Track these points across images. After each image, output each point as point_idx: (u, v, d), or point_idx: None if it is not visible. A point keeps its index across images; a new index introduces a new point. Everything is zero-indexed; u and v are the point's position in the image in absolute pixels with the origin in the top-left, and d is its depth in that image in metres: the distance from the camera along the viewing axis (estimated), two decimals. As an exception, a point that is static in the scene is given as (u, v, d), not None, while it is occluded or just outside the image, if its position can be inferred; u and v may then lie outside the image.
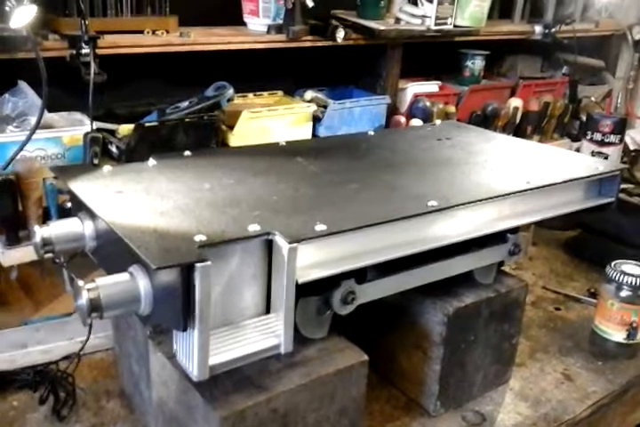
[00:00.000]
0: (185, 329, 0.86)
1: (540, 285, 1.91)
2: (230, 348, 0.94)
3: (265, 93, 1.98)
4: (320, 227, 0.96)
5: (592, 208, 1.39)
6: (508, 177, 1.29)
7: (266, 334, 0.97)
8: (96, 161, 1.39)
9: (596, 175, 1.34)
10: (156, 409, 1.11)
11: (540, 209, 1.30)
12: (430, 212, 1.08)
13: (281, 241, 0.92)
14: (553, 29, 2.35)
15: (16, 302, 1.55)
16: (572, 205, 1.35)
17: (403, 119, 2.08)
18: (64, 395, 1.30)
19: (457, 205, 1.11)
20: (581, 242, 2.13)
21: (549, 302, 1.81)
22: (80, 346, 1.33)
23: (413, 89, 2.15)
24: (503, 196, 1.18)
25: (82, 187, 1.10)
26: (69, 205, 1.19)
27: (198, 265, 0.82)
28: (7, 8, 1.12)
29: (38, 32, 1.42)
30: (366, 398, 1.10)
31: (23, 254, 1.39)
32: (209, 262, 0.83)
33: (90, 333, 1.28)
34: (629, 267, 1.51)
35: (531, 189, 1.22)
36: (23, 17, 1.18)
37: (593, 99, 2.64)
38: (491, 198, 1.16)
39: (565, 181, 1.28)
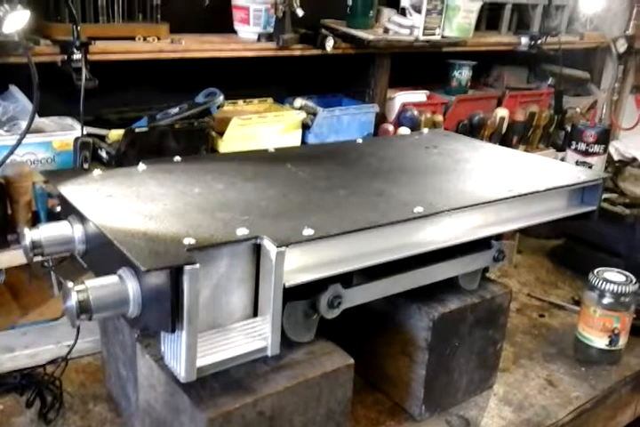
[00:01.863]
0: (173, 331, 0.87)
1: (525, 292, 1.94)
2: (218, 350, 0.95)
3: (255, 100, 2.00)
4: (307, 231, 0.98)
5: (575, 216, 1.41)
6: (492, 185, 1.31)
7: (253, 336, 0.98)
8: (86, 166, 1.40)
9: (577, 184, 1.37)
10: (143, 412, 1.11)
11: (524, 216, 1.32)
12: (416, 218, 1.10)
13: (269, 245, 0.93)
14: (539, 41, 2.39)
15: (3, 306, 1.55)
16: (555, 213, 1.37)
17: (391, 128, 2.10)
18: (51, 399, 1.30)
19: (442, 212, 1.13)
20: (566, 251, 2.17)
21: (534, 310, 1.84)
22: (67, 350, 1.34)
23: (402, 98, 2.18)
24: (487, 203, 1.20)
25: (72, 191, 1.11)
26: (59, 208, 1.20)
27: (187, 268, 0.83)
28: (0, 13, 1.13)
29: (30, 37, 1.43)
30: (352, 402, 1.12)
31: (11, 258, 1.40)
32: (197, 265, 0.84)
33: (77, 337, 1.28)
34: (612, 274, 1.54)
35: (514, 197, 1.25)
36: (16, 22, 1.19)
37: (578, 110, 2.68)
38: (475, 205, 1.18)
39: (547, 190, 1.30)
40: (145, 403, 1.10)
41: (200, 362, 0.92)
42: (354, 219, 1.06)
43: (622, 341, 1.54)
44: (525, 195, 1.27)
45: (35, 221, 1.43)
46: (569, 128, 2.44)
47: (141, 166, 1.25)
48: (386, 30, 2.09)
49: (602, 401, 1.47)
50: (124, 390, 1.26)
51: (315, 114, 1.91)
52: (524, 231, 2.22)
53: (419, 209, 1.11)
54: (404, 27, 2.07)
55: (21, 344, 1.45)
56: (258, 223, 1.00)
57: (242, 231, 0.95)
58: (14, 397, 1.32)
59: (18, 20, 1.18)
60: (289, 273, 0.97)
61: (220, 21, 1.87)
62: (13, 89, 1.56)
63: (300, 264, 1.00)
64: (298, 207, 1.12)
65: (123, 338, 1.21)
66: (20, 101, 1.52)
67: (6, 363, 1.40)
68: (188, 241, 0.90)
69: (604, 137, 2.19)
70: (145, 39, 1.64)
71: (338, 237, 1.00)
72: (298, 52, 1.88)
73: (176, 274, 0.84)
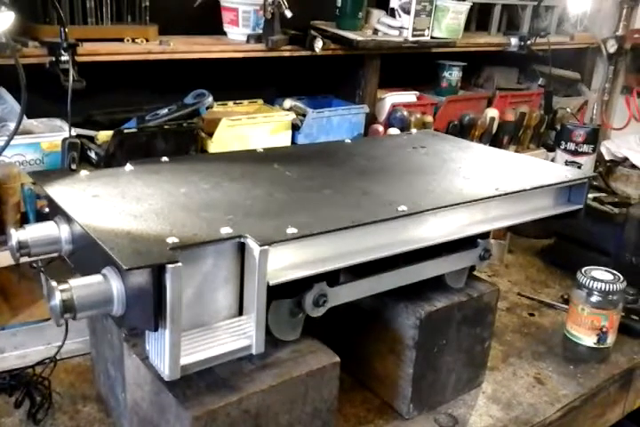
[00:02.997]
0: (156, 329, 0.88)
1: (515, 291, 1.94)
2: (202, 348, 0.95)
3: (245, 102, 2.00)
4: (291, 230, 0.98)
5: (561, 215, 1.42)
6: (479, 184, 1.31)
7: (238, 335, 0.98)
8: (74, 166, 1.40)
9: (563, 183, 1.37)
10: (130, 411, 1.11)
11: (510, 215, 1.32)
12: (400, 216, 1.10)
13: (252, 244, 0.94)
14: (528, 42, 2.41)
15: (-7, 307, 1.55)
16: (541, 212, 1.38)
17: (381, 128, 2.11)
18: (40, 399, 1.30)
19: (426, 211, 1.14)
20: (556, 250, 2.17)
21: (524, 308, 1.84)
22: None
23: (391, 99, 2.19)
24: (471, 202, 1.21)
25: (58, 191, 1.12)
26: (47, 209, 1.20)
27: (169, 266, 0.84)
28: (-15, 15, 1.14)
29: (18, 39, 1.44)
30: (340, 400, 1.12)
31: (0, 259, 1.40)
32: (180, 264, 0.85)
33: (65, 337, 1.29)
34: (599, 273, 1.55)
35: (499, 196, 1.25)
36: (1, 23, 1.20)
37: (568, 110, 2.70)
38: (459, 204, 1.19)
39: (533, 188, 1.31)
40: (132, 402, 1.10)
41: (184, 360, 0.92)
42: (338, 218, 1.06)
43: (610, 339, 1.55)
44: (511, 193, 1.27)
45: (24, 223, 1.43)
46: (559, 128, 2.45)
47: (128, 167, 1.25)
48: (375, 31, 2.10)
49: (590, 399, 1.48)
50: (113, 390, 1.26)
51: (304, 115, 1.92)
52: (515, 231, 2.23)
53: (403, 208, 1.12)
54: (393, 28, 2.08)
55: (11, 345, 1.45)
56: (242, 222, 1.00)
57: (226, 230, 0.96)
58: (3, 397, 1.32)
59: (2, 22, 1.18)
60: (273, 272, 0.97)
61: (210, 23, 1.88)
62: (1, 90, 1.57)
63: (285, 263, 1.00)
64: (283, 207, 1.12)
65: (111, 338, 1.21)
66: (9, 103, 1.53)
67: (-4, 364, 1.40)
68: (172, 240, 0.90)
69: (593, 137, 2.20)
70: (134, 40, 1.65)
71: (321, 235, 1.01)
72: (287, 54, 1.89)
73: (158, 272, 0.85)
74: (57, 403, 1.32)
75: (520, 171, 1.44)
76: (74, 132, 1.48)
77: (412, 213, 1.11)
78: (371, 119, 2.14)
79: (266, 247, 0.93)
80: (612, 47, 2.84)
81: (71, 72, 1.41)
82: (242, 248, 0.97)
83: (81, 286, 0.89)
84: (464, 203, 1.20)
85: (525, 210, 1.35)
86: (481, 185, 1.30)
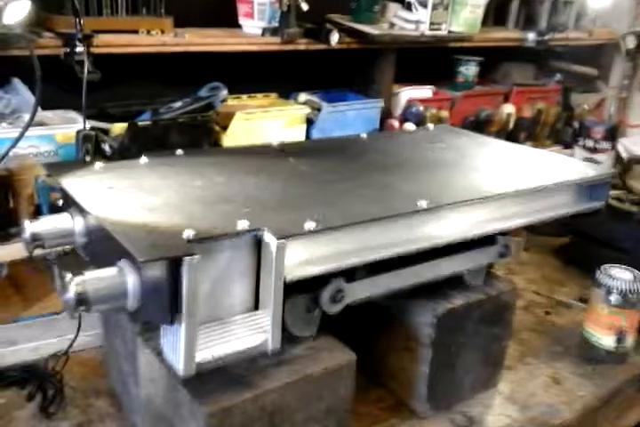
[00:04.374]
0: (172, 323, 0.86)
1: (531, 290, 1.91)
2: (217, 343, 0.94)
3: (259, 95, 1.99)
4: (309, 224, 0.96)
5: (583, 212, 1.39)
6: (498, 180, 1.29)
7: (254, 330, 0.97)
8: (88, 158, 1.39)
9: (585, 179, 1.35)
10: (144, 407, 1.10)
11: (531, 212, 1.30)
12: (419, 211, 1.08)
13: (270, 237, 0.92)
14: (546, 37, 2.37)
15: (6, 300, 1.55)
16: (562, 209, 1.35)
17: (396, 123, 2.09)
18: (52, 392, 1.29)
19: (446, 205, 1.11)
20: (573, 248, 2.14)
21: (540, 307, 1.82)
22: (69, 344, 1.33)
23: (407, 94, 2.17)
24: (492, 197, 1.19)
25: (73, 183, 1.10)
26: (61, 202, 1.19)
27: (186, 259, 0.82)
28: (1, 3, 1.13)
29: (33, 30, 1.43)
30: (355, 399, 1.10)
31: (14, 251, 1.39)
32: (197, 257, 0.83)
33: (78, 330, 1.28)
34: (619, 271, 1.51)
35: (520, 192, 1.23)
36: (17, 13, 1.18)
37: (586, 106, 2.66)
38: (480, 199, 1.16)
39: (554, 185, 1.28)
40: (145, 397, 1.09)
41: (199, 356, 0.91)
42: (356, 212, 1.05)
43: (630, 339, 1.51)
44: (533, 190, 1.25)
45: (37, 215, 1.42)
46: (576, 125, 2.42)
47: (143, 159, 1.24)
48: (391, 25, 2.08)
49: (608, 401, 1.45)
50: (126, 384, 1.25)
51: (319, 109, 1.91)
52: (531, 229, 2.20)
53: (423, 203, 1.09)
54: (409, 22, 2.06)
55: (24, 338, 1.44)
56: (259, 216, 0.99)
57: (242, 224, 0.94)
58: (15, 390, 1.31)
59: (18, 11, 1.17)
60: (290, 267, 0.96)
61: (225, 16, 1.86)
62: (16, 82, 1.56)
63: (302, 258, 0.99)
64: (300, 200, 1.10)
65: (124, 332, 1.20)
66: (23, 94, 1.52)
67: (9, 357, 1.39)
68: (188, 233, 0.89)
69: (612, 133, 2.17)
70: (148, 33, 1.63)
71: (340, 229, 0.99)
72: (302, 47, 1.87)
73: (175, 266, 0.83)
74: (69, 397, 1.31)
75: (541, 167, 1.42)
76: (88, 124, 1.47)
77: (433, 208, 1.09)
78: (386, 114, 2.11)
79: (283, 241, 0.91)
80: (630, 43, 2.79)
81: (86, 63, 1.40)
82: (258, 242, 0.95)
83: (96, 278, 0.88)
84: (485, 198, 1.17)
85: (546, 207, 1.32)
86: (501, 181, 1.28)
